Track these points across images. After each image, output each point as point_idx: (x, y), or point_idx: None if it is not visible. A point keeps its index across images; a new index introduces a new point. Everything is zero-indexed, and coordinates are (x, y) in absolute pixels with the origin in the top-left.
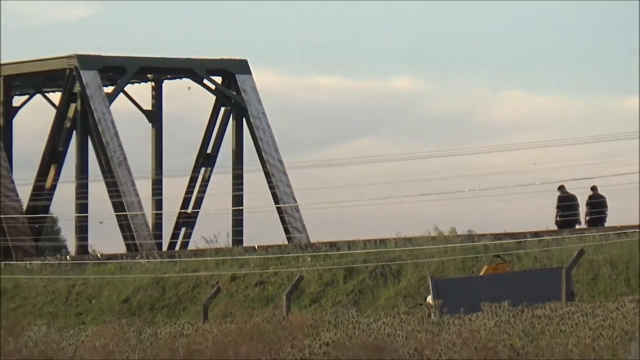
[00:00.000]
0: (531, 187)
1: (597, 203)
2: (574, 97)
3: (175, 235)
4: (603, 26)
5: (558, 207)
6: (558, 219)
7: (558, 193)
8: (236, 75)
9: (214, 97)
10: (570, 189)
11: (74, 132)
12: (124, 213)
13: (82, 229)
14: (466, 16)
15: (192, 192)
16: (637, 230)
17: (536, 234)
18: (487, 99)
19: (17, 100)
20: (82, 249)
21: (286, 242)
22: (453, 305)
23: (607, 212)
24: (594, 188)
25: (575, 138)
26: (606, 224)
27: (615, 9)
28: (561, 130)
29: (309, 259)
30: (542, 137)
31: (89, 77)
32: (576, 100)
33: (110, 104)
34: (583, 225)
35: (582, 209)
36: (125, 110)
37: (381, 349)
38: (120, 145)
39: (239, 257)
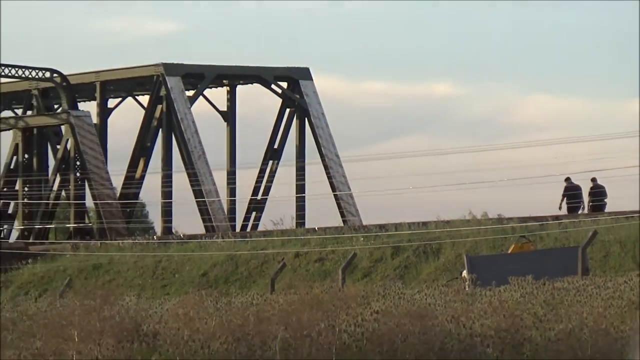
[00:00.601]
0: (552, 178)
1: (597, 192)
2: (587, 100)
3: (246, 219)
4: (613, 34)
5: (564, 195)
6: (563, 205)
7: (565, 184)
8: (299, 81)
9: (280, 100)
10: (575, 180)
11: (160, 130)
12: (203, 199)
13: (167, 212)
14: (493, 26)
15: (261, 182)
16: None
17: (556, 218)
18: (514, 102)
19: (111, 102)
20: (167, 229)
21: (342, 224)
22: (485, 279)
23: (606, 200)
24: (593, 179)
25: (590, 136)
26: (606, 210)
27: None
28: (577, 129)
29: (362, 238)
30: (561, 135)
31: (173, 83)
32: (590, 102)
33: (191, 105)
34: (585, 212)
35: (586, 198)
36: (204, 112)
37: (423, 316)
38: (199, 142)
39: (302, 237)
